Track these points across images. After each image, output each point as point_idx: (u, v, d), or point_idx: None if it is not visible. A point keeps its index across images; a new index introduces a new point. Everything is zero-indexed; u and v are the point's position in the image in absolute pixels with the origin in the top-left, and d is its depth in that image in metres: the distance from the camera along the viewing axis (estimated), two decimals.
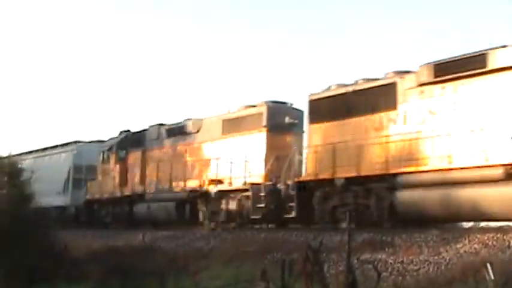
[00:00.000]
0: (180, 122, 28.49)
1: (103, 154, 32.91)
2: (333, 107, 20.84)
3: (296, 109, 24.23)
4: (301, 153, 22.63)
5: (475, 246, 14.25)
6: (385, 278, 13.11)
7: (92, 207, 34.09)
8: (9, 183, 24.54)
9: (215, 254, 19.06)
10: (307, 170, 21.64)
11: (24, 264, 19.92)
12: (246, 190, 23.08)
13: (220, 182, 24.88)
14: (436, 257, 13.95)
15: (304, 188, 21.11)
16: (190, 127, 27.45)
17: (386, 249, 15.40)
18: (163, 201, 27.45)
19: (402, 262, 14.12)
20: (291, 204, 21.24)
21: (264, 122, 23.76)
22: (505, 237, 14.33)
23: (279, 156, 22.81)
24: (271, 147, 23.36)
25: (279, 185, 22.17)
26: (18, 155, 42.34)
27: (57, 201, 36.73)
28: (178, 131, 28.22)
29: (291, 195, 21.37)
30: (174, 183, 27.50)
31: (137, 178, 30.27)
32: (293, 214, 21.18)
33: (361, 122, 19.99)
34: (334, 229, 19.08)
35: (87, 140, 39.18)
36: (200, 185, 25.89)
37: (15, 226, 21.24)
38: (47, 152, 41.12)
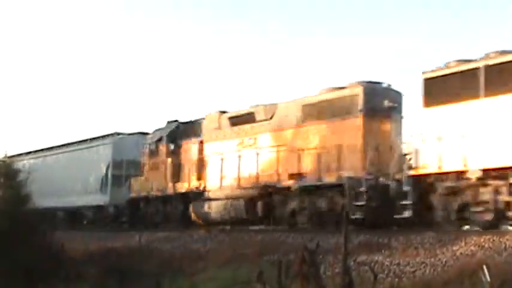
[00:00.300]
0: (246, 109, 24.91)
1: (150, 147, 29.09)
2: (462, 86, 17.31)
3: (394, 90, 21.12)
4: (402, 142, 19.66)
5: (472, 248, 14.28)
6: (381, 279, 13.14)
7: (136, 207, 30.03)
8: (5, 185, 24.48)
9: (212, 255, 19.06)
10: (422, 161, 18.01)
11: (22, 265, 19.90)
12: (339, 185, 19.75)
13: (301, 175, 21.52)
14: (432, 259, 13.98)
15: (419, 182, 18.02)
16: (260, 114, 23.75)
17: (383, 251, 15.42)
18: (229, 199, 23.99)
19: (399, 264, 14.14)
20: (405, 202, 17.92)
21: (360, 106, 20.13)
22: (501, 239, 14.36)
23: (377, 145, 19.68)
24: (368, 134, 19.95)
25: (381, 179, 19.17)
26: (40, 150, 41.37)
27: (94, 200, 33.59)
28: (245, 119, 24.36)
29: (403, 192, 18.09)
30: (242, 178, 23.82)
31: (193, 173, 26.34)
32: (407, 214, 17.91)
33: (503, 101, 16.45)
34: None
35: (127, 132, 35.32)
36: (278, 179, 22.22)
37: (13, 227, 21.23)
38: (81, 146, 37.45)
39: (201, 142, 26.30)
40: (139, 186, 29.81)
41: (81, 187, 35.30)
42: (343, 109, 20.47)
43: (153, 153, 28.89)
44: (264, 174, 22.82)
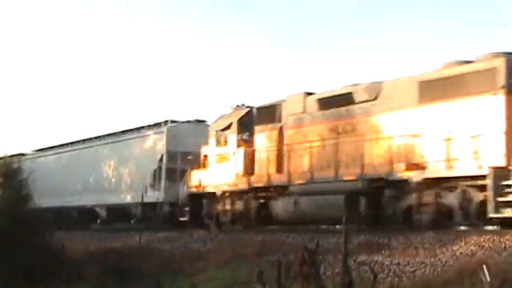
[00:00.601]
0: (341, 89, 21.13)
1: (216, 135, 25.10)
2: None
3: None
4: None
5: (471, 248, 14.28)
6: (381, 279, 13.14)
7: (197, 204, 25.81)
8: (6, 184, 24.49)
9: (212, 255, 19.07)
10: None
11: (22, 265, 19.90)
12: (476, 177, 16.66)
13: (420, 165, 18.10)
14: (432, 259, 13.98)
15: None
16: (361, 94, 20.17)
17: (383, 251, 15.43)
18: (323, 194, 20.20)
19: (398, 264, 14.14)
20: None
21: (502, 81, 16.80)
22: (501, 239, 14.36)
23: None
24: None
25: None
26: (76, 142, 38.20)
27: (145, 196, 29.04)
28: (339, 100, 20.64)
29: None
30: (338, 170, 20.17)
31: (272, 165, 22.51)
32: None
33: None
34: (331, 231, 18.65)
35: (181, 120, 31.31)
36: (390, 171, 18.68)
37: (13, 227, 21.24)
38: (126, 137, 33.53)
39: (281, 128, 22.56)
40: (201, 181, 25.85)
41: (129, 182, 32.02)
42: (478, 86, 17.17)
43: (220, 142, 24.99)
44: (369, 164, 19.23)
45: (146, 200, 28.86)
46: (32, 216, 23.34)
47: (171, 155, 29.49)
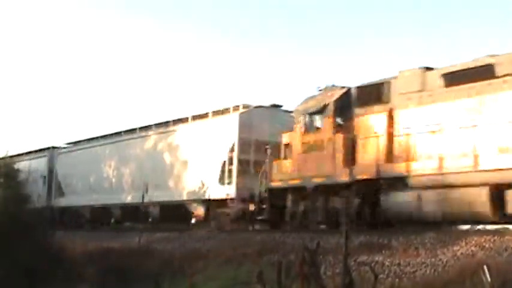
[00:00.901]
0: (473, 61, 17.59)
1: (305, 120, 21.34)
2: None
3: None
4: None
5: (472, 248, 14.26)
6: (382, 280, 13.12)
7: (280, 200, 21.95)
8: (5, 184, 24.49)
9: (212, 255, 19.04)
10: None
11: (23, 265, 19.89)
12: None
13: None
14: (433, 259, 13.96)
15: None
16: (505, 65, 16.57)
17: (384, 251, 15.40)
18: (457, 187, 16.92)
19: (399, 264, 14.12)
20: None
21: None
22: (501, 239, 14.34)
23: None
24: None
25: None
26: (128, 131, 32.76)
27: (212, 192, 25.64)
28: (474, 74, 17.18)
29: None
30: (479, 158, 16.52)
31: (381, 153, 19.14)
32: None
33: None
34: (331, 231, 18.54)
35: (254, 104, 26.55)
36: None
37: (12, 227, 21.23)
38: (186, 124, 28.61)
39: (390, 110, 19.31)
40: (284, 173, 22.02)
41: (187, 177, 27.31)
42: None
43: (310, 128, 21.26)
44: None
45: (212, 196, 25.51)
46: (32, 216, 23.37)
47: (244, 144, 25.15)
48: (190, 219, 27.85)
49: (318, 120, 21.05)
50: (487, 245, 14.23)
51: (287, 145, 22.19)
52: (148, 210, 29.01)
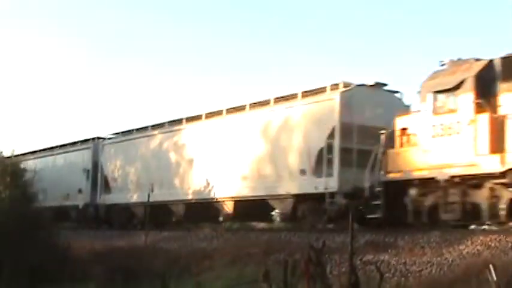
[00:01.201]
0: None
1: (437, 99, 17.93)
2: None
3: None
4: None
5: (478, 247, 14.26)
6: (387, 279, 13.13)
7: (397, 195, 18.65)
8: (12, 184, 24.57)
9: (218, 254, 19.06)
10: None
11: (28, 264, 19.95)
12: None
13: None
14: (438, 258, 13.97)
15: None
16: None
17: (389, 250, 15.41)
18: None
19: (405, 263, 14.14)
20: None
21: None
22: (507, 239, 14.33)
23: None
24: None
25: None
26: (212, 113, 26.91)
27: (302, 186, 21.81)
28: None
29: None
30: None
31: None
32: None
33: None
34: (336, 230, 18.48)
35: (356, 83, 22.13)
36: None
37: (19, 226, 21.29)
38: (273, 106, 23.81)
39: None
40: (404, 164, 18.84)
41: (271, 167, 23.18)
42: None
43: (440, 109, 17.91)
44: None
45: (304, 190, 21.61)
46: (38, 215, 23.43)
47: (346, 130, 20.98)
48: (271, 215, 24.83)
49: (450, 99, 17.76)
50: (492, 244, 14.24)
51: (404, 130, 19.12)
52: (220, 207, 25.40)
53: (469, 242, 14.72)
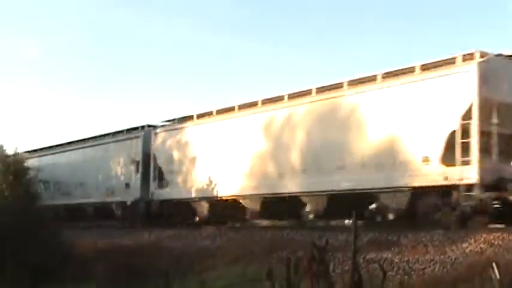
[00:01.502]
0: None
1: None
2: None
3: None
4: None
5: (481, 245, 14.26)
6: (390, 277, 13.14)
7: None
8: (15, 182, 24.54)
9: (221, 253, 19.08)
10: None
11: (31, 262, 19.96)
12: None
13: None
14: (441, 257, 13.97)
15: None
16: None
17: (392, 248, 15.42)
18: None
19: (408, 261, 14.14)
20: None
21: None
22: (510, 237, 14.34)
23: None
24: None
25: None
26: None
27: (425, 177, 18.38)
28: None
29: None
30: None
31: None
32: None
33: None
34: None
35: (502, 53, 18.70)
36: None
37: (22, 224, 21.30)
38: (381, 83, 20.37)
39: None
40: None
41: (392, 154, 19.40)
42: None
43: None
44: None
45: (429, 181, 18.31)
46: (41, 214, 23.43)
47: (485, 108, 17.64)
48: (367, 210, 20.81)
49: None
50: (496, 242, 14.25)
51: None
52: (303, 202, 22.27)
53: (472, 240, 14.73)
